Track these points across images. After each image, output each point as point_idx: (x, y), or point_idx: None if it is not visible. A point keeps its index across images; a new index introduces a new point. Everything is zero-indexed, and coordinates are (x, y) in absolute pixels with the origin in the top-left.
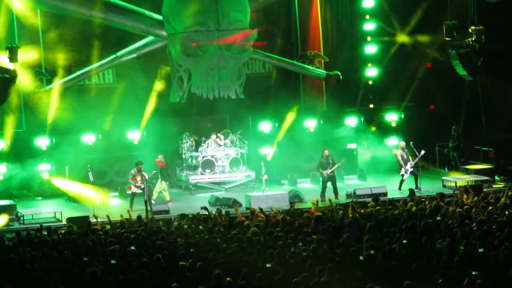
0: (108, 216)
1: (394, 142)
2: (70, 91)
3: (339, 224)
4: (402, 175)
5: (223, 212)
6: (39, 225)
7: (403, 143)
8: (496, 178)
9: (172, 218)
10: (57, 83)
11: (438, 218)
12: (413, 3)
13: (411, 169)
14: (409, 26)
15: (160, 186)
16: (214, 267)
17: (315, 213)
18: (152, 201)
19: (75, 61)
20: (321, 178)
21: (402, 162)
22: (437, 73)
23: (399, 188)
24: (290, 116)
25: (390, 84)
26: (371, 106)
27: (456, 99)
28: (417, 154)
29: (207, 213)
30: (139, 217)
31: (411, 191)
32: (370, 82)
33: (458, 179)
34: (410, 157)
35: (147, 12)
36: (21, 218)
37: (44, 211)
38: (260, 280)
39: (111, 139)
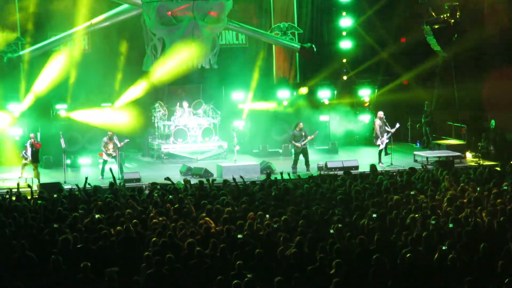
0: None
1: (366, 116)
2: (44, 57)
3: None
4: (379, 146)
5: (192, 182)
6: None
7: (381, 113)
8: (468, 154)
9: (144, 186)
10: (32, 48)
11: (412, 192)
12: None
13: (387, 140)
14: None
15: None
16: (185, 237)
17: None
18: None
19: (50, 27)
20: (293, 150)
21: (378, 133)
22: (411, 47)
23: (380, 161)
24: (263, 88)
25: (364, 58)
26: (345, 78)
27: (430, 75)
28: (391, 127)
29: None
30: (111, 184)
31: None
32: (344, 58)
33: (429, 154)
34: (387, 128)
35: None
36: None
37: (16, 177)
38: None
39: (84, 106)
